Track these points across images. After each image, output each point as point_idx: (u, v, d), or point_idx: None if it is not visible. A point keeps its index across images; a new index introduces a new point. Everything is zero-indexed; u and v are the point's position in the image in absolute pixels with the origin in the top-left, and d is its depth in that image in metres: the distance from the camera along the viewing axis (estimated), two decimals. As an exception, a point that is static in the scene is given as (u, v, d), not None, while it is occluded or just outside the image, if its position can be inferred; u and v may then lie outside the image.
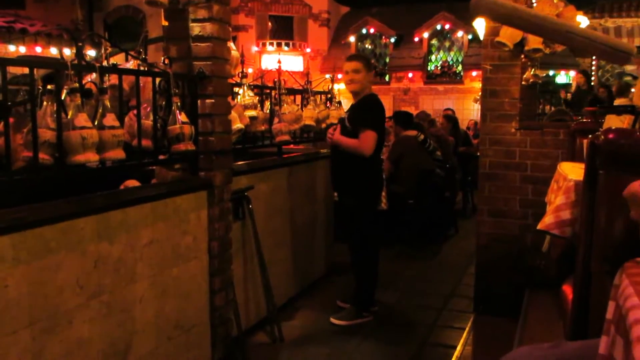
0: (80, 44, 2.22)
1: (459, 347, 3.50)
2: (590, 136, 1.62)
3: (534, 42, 3.65)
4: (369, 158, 3.81)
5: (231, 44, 3.21)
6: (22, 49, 6.88)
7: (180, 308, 2.81)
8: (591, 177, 1.59)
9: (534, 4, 3.68)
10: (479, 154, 4.21)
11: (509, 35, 3.66)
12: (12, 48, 6.72)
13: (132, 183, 2.88)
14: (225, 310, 3.17)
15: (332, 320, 3.88)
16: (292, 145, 4.65)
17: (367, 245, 3.97)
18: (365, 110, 3.87)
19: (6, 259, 1.90)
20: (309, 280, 4.64)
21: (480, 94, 4.08)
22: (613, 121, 2.94)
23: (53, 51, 7.07)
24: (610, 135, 1.50)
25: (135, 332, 2.52)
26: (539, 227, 2.14)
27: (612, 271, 1.11)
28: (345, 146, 3.85)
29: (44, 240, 2.04)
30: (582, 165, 2.56)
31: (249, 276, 3.66)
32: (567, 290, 2.01)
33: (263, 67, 13.26)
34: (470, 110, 12.89)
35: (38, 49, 6.96)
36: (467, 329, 3.80)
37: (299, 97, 4.74)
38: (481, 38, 4.05)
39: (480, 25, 4.25)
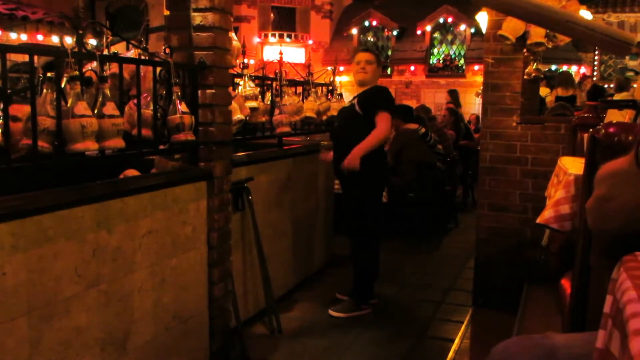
0: (81, 31, 2.21)
1: (457, 341, 3.51)
2: (591, 130, 1.62)
3: (536, 35, 3.63)
4: (377, 149, 3.82)
5: (232, 34, 3.20)
6: (24, 37, 6.85)
7: (178, 298, 2.82)
8: (591, 171, 1.58)
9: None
10: (479, 147, 4.20)
11: (511, 28, 3.64)
12: (13, 36, 6.70)
13: (132, 172, 2.88)
14: (223, 301, 3.17)
15: (331, 312, 3.89)
16: (292, 137, 4.64)
17: (370, 238, 3.97)
18: (378, 95, 3.91)
19: (4, 246, 1.90)
20: (308, 272, 4.65)
21: (482, 87, 4.07)
22: (614, 116, 2.93)
23: (55, 39, 7.04)
24: (611, 129, 1.49)
25: (134, 322, 2.52)
26: (538, 221, 2.13)
27: (610, 265, 1.11)
28: (369, 147, 3.77)
29: (43, 228, 2.04)
30: (583, 160, 2.56)
31: (248, 267, 3.67)
32: (566, 284, 2.01)
33: (265, 59, 13.22)
34: (471, 104, 12.85)
35: (39, 37, 6.93)
36: (465, 322, 3.81)
37: (300, 89, 4.73)
38: (484, 31, 4.03)
39: (482, 18, 4.24)
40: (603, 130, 1.50)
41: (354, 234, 4.01)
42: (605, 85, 10.03)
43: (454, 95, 9.70)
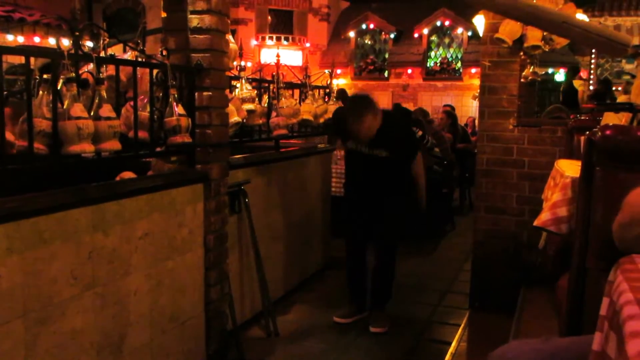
0: (77, 33, 2.21)
1: (453, 343, 3.50)
2: (587, 132, 1.62)
3: (533, 38, 3.64)
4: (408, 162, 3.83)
5: (230, 37, 3.20)
6: (21, 39, 6.84)
7: (175, 301, 2.81)
8: (588, 174, 1.59)
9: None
10: (476, 150, 4.20)
11: (508, 31, 3.65)
12: (10, 37, 6.68)
13: (128, 175, 2.87)
14: (220, 304, 3.17)
15: (373, 329, 3.71)
16: (289, 140, 4.64)
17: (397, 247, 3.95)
18: (407, 141, 3.90)
19: (0, 248, 1.89)
20: (305, 275, 4.64)
21: (479, 90, 4.07)
22: (611, 119, 2.93)
23: (51, 41, 7.02)
24: (608, 132, 1.49)
25: (130, 325, 2.51)
26: (535, 223, 2.13)
27: (607, 268, 1.11)
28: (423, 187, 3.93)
29: (39, 231, 2.03)
30: (580, 163, 2.56)
31: (245, 270, 3.66)
32: (563, 286, 2.01)
33: (262, 61, 13.22)
34: (468, 107, 12.88)
35: (36, 39, 6.91)
36: (462, 325, 3.80)
37: (297, 92, 4.72)
38: (481, 35, 4.04)
39: (479, 21, 4.24)
40: (600, 133, 1.50)
41: (388, 244, 3.88)
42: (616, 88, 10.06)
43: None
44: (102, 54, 2.80)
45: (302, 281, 4.56)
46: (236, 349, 3.28)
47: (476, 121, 9.43)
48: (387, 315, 3.84)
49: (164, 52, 2.81)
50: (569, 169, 2.32)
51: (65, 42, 2.46)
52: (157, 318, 2.69)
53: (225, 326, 3.23)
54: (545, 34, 3.58)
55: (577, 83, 7.84)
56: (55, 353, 2.12)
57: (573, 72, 8.64)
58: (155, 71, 2.72)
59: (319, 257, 4.91)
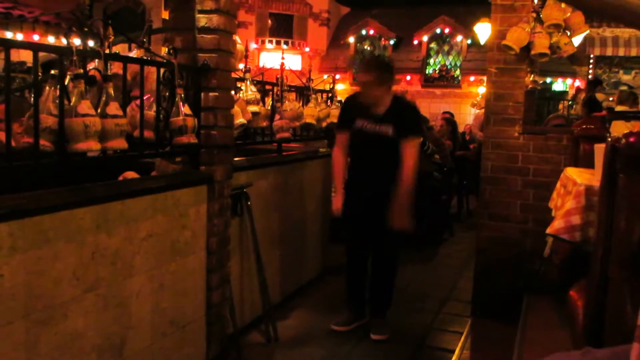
0: (86, 29, 2.17)
1: (457, 351, 3.46)
2: (609, 139, 1.59)
3: (540, 46, 3.62)
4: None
5: (237, 37, 3.17)
6: (20, 36, 6.78)
7: (176, 304, 2.76)
8: (610, 181, 1.56)
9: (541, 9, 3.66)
10: (471, 157, 4.17)
11: (515, 38, 3.63)
12: (9, 34, 6.62)
13: (131, 175, 2.83)
14: (221, 308, 3.12)
15: (374, 337, 3.65)
16: (291, 143, 4.60)
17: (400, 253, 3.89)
18: (413, 118, 3.75)
19: (3, 247, 1.84)
20: (305, 280, 4.60)
21: (477, 98, 4.05)
22: (620, 127, 2.92)
23: (51, 39, 6.98)
24: (632, 139, 1.47)
25: (131, 328, 2.46)
26: (548, 231, 2.11)
27: (630, 276, 1.08)
28: (410, 189, 3.56)
29: (42, 230, 1.98)
30: (588, 171, 2.54)
31: (245, 274, 3.61)
32: (575, 295, 1.98)
33: (261, 65, 13.19)
34: (467, 115, 12.87)
35: (35, 37, 6.86)
36: (464, 332, 3.76)
37: (298, 95, 4.69)
38: (481, 43, 4.02)
39: (481, 29, 4.23)
40: (624, 140, 1.47)
41: (391, 251, 3.82)
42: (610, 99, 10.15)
43: None
44: (107, 52, 2.75)
45: (302, 286, 4.51)
46: (236, 354, 3.23)
47: (474, 129, 9.47)
48: (388, 322, 3.80)
49: (171, 51, 2.78)
50: (580, 177, 2.30)
51: (64, 41, 2.42)
52: (158, 321, 2.64)
53: (225, 331, 3.19)
54: (553, 41, 3.57)
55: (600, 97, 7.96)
56: (55, 356, 2.07)
57: (594, 84, 8.80)
58: (162, 70, 2.68)
59: (318, 262, 4.87)
